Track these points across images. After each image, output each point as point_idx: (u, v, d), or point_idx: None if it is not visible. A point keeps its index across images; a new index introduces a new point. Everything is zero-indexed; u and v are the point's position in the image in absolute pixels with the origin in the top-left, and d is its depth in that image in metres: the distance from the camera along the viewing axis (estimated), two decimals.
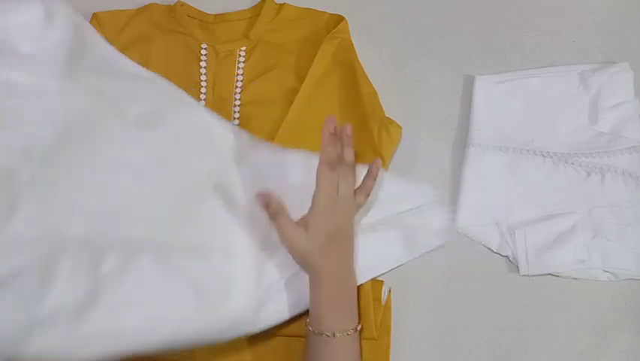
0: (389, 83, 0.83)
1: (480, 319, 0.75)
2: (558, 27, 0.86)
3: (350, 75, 0.82)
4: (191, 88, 0.83)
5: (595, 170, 0.78)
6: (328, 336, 0.65)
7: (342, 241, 0.69)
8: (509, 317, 0.75)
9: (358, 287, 0.74)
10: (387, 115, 0.80)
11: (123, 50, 0.84)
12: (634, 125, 0.79)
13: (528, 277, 0.76)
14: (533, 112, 0.81)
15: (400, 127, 0.81)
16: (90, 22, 0.85)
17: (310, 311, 0.68)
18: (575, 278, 0.75)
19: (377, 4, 0.88)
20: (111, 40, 0.85)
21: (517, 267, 0.75)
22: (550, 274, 0.75)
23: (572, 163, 0.78)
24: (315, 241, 0.66)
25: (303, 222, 0.67)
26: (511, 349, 0.74)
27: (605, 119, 0.80)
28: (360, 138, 0.79)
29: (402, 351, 0.74)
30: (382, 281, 0.75)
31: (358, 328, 0.67)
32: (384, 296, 0.75)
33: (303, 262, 0.68)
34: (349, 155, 0.70)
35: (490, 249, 0.77)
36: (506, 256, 0.77)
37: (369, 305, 0.73)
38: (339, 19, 0.85)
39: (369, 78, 0.82)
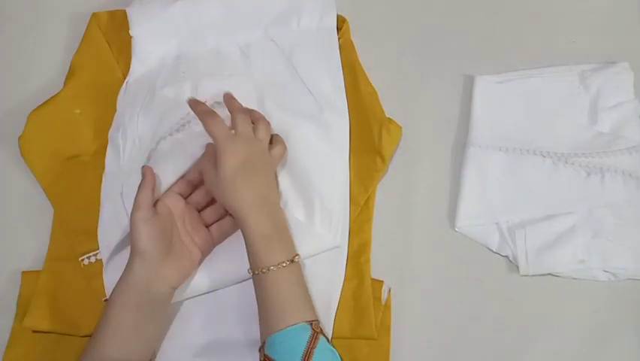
0: (389, 83, 0.83)
1: (480, 319, 0.75)
2: (558, 27, 0.86)
3: (350, 75, 0.82)
4: None
5: (595, 170, 0.77)
6: (264, 272, 0.65)
7: (255, 174, 0.69)
8: (509, 317, 0.75)
9: (359, 287, 0.75)
10: (387, 115, 0.80)
11: (122, 50, 0.85)
12: (634, 125, 0.79)
13: (528, 277, 0.76)
14: (533, 112, 0.81)
15: (400, 127, 0.80)
16: (90, 22, 0.85)
17: (248, 251, 0.68)
18: (575, 278, 0.75)
19: (377, 4, 0.88)
20: (111, 41, 0.86)
21: (517, 267, 0.75)
22: (550, 274, 0.75)
23: (572, 163, 0.78)
24: (224, 175, 0.67)
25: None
26: (511, 349, 0.74)
27: (605, 119, 0.80)
28: (360, 138, 0.80)
29: (402, 351, 0.74)
30: (382, 281, 0.75)
31: (295, 259, 0.67)
32: (384, 296, 0.75)
33: (217, 196, 0.69)
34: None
35: (490, 249, 0.77)
36: (506, 256, 0.77)
37: (369, 305, 0.74)
38: (340, 20, 0.84)
39: (369, 78, 0.82)
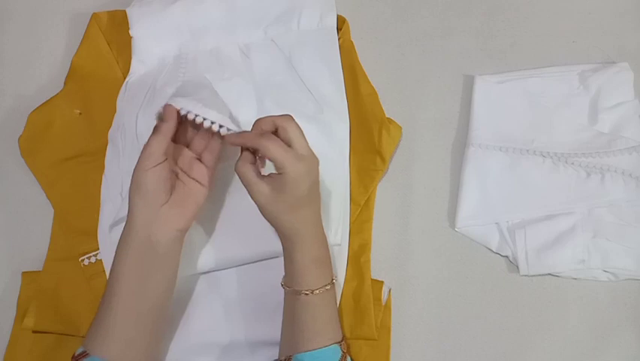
0: (389, 83, 0.83)
1: (480, 319, 0.75)
2: (558, 27, 0.86)
3: (350, 75, 0.82)
4: None
5: (595, 170, 0.77)
6: (307, 294, 0.65)
7: (316, 195, 0.67)
8: (509, 317, 0.75)
9: (359, 287, 0.75)
10: (387, 115, 0.80)
11: (122, 50, 0.85)
12: (634, 125, 0.79)
13: (528, 277, 0.76)
14: (533, 112, 0.81)
15: (400, 127, 0.81)
16: (90, 22, 0.85)
17: (288, 271, 0.67)
18: (575, 278, 0.75)
19: (377, 4, 0.88)
20: (111, 41, 0.86)
21: (517, 267, 0.75)
22: (550, 274, 0.75)
23: (572, 163, 0.78)
24: (291, 201, 0.63)
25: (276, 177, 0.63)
26: (511, 349, 0.74)
27: (605, 119, 0.80)
28: (360, 138, 0.80)
29: (402, 351, 0.74)
30: (382, 281, 0.75)
31: (334, 280, 0.67)
32: (384, 296, 0.75)
33: (270, 216, 0.65)
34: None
35: (490, 249, 0.77)
36: (506, 256, 0.77)
37: (369, 305, 0.74)
38: (340, 20, 0.84)
39: (369, 78, 0.82)
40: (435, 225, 0.79)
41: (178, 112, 0.65)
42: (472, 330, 0.75)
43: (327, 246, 0.69)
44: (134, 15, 0.83)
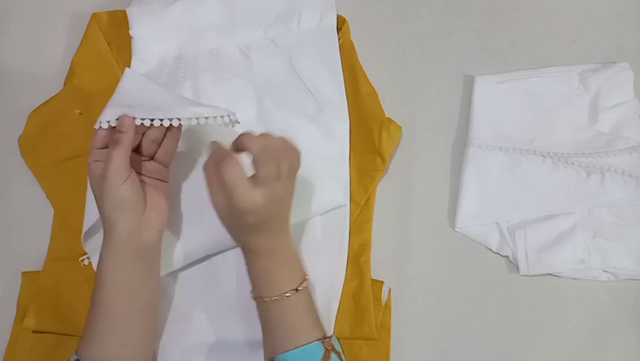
0: (389, 83, 0.84)
1: (480, 319, 0.75)
2: (558, 27, 0.86)
3: (350, 75, 0.82)
4: None
5: (595, 170, 0.78)
6: (266, 301, 0.65)
7: (271, 217, 0.64)
8: (509, 317, 0.75)
9: (359, 288, 0.75)
10: (387, 115, 0.80)
11: (122, 50, 0.85)
12: (634, 125, 0.79)
13: (528, 277, 0.76)
14: (533, 112, 0.81)
15: (400, 127, 0.81)
16: (90, 22, 0.86)
17: (249, 277, 0.68)
18: (575, 278, 0.75)
19: (377, 4, 0.88)
20: (111, 41, 0.86)
21: (517, 267, 0.76)
22: (550, 274, 0.75)
23: (572, 163, 0.78)
24: (238, 218, 0.63)
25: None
26: (511, 349, 0.74)
27: (605, 119, 0.80)
28: (360, 138, 0.80)
29: (402, 351, 0.74)
30: (382, 281, 0.75)
31: (300, 288, 0.66)
32: (384, 296, 0.75)
33: (223, 222, 0.65)
34: None
35: (490, 249, 0.77)
36: (506, 256, 0.77)
37: (369, 305, 0.74)
38: (340, 20, 0.84)
39: (369, 78, 0.82)
40: (435, 225, 0.79)
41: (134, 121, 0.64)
42: (472, 330, 0.75)
43: (289, 257, 0.67)
44: (134, 15, 0.83)
